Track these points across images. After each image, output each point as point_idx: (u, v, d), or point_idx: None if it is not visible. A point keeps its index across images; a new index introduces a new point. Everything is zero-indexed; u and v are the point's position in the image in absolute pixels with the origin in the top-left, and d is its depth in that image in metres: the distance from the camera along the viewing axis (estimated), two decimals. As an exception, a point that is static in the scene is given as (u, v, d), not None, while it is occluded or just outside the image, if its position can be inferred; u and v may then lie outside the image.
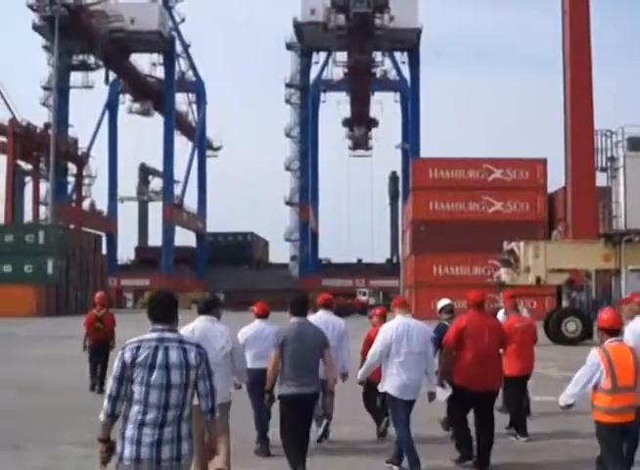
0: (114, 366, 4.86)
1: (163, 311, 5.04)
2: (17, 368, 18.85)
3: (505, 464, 8.86)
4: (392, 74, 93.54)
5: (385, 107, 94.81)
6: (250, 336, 9.39)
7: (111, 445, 4.84)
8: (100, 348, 14.86)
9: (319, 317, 9.57)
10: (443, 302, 10.40)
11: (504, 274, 31.16)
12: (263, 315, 9.66)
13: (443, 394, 8.71)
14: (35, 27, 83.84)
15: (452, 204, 51.57)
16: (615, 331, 6.83)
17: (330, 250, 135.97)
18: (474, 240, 47.82)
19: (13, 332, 34.00)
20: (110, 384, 4.86)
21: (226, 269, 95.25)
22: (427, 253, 50.74)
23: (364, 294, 67.99)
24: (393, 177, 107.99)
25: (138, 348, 4.84)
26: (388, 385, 8.34)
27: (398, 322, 8.46)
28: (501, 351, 9.22)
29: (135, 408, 4.78)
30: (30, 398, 13.58)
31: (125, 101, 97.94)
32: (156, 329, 4.95)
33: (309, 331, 7.98)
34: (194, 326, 7.59)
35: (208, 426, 5.13)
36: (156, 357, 4.81)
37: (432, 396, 8.50)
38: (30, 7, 79.53)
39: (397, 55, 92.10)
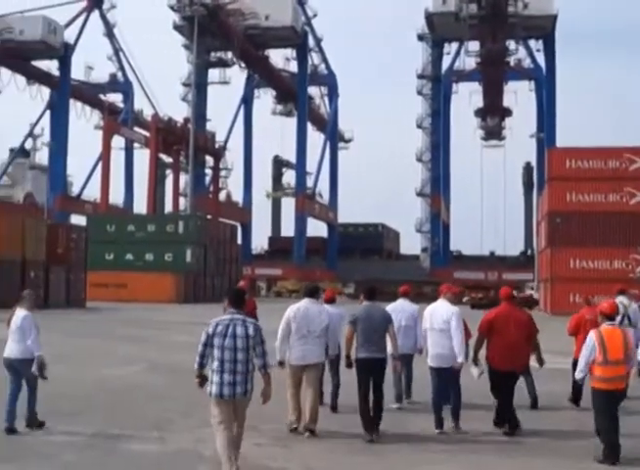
0: (202, 336, 7.26)
1: (235, 301, 7.45)
2: (161, 353, 19.39)
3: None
4: (527, 63, 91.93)
5: (518, 96, 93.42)
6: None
7: (203, 377, 7.31)
8: None
9: (399, 304, 11.89)
10: None
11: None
12: (331, 301, 11.62)
13: (475, 371, 10.17)
14: (176, 27, 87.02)
15: (590, 195, 50.17)
16: (611, 317, 8.78)
17: (461, 242, 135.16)
18: (614, 232, 46.57)
19: (157, 317, 35.58)
20: (199, 347, 7.26)
21: (357, 260, 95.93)
22: (563, 245, 49.58)
23: (532, 288, 67.07)
24: (528, 168, 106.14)
25: (217, 324, 7.26)
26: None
27: (432, 305, 10.30)
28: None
29: (216, 363, 7.19)
30: (174, 381, 13.83)
31: (260, 95, 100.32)
32: (230, 312, 7.35)
33: (376, 312, 9.90)
34: (299, 305, 9.71)
35: (265, 377, 7.32)
36: (227, 330, 7.21)
37: (456, 365, 9.92)
38: (171, 8, 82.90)
39: (532, 42, 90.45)
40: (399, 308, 11.69)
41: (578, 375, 8.78)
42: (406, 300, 12.05)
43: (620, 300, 12.72)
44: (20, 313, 9.43)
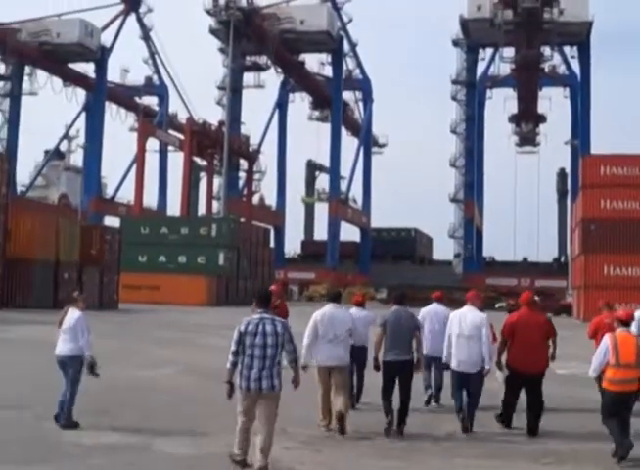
0: (234, 335, 7.75)
1: (262, 302, 7.97)
2: (196, 356, 19.48)
3: None
4: (561, 69, 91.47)
5: (553, 102, 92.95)
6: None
7: (232, 385, 7.71)
8: None
9: (432, 307, 12.39)
10: None
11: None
12: (360, 304, 12.16)
13: (499, 374, 10.63)
14: (212, 31, 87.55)
15: (625, 202, 49.78)
16: (626, 323, 9.23)
17: (494, 248, 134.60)
18: (648, 240, 46.16)
19: (189, 320, 35.86)
20: (232, 345, 7.74)
21: (389, 265, 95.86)
22: (597, 252, 49.33)
23: (570, 295, 66.90)
24: (562, 174, 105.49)
25: (248, 323, 7.76)
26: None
27: (459, 312, 10.53)
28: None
29: (247, 359, 7.66)
30: (207, 384, 13.73)
31: (295, 99, 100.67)
32: (259, 312, 7.85)
33: (404, 316, 10.28)
34: (324, 311, 10.10)
35: (294, 370, 7.99)
36: (258, 328, 7.71)
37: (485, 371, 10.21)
38: (208, 12, 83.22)
39: (567, 49, 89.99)
40: (433, 312, 12.19)
41: (592, 374, 9.19)
42: (440, 304, 12.46)
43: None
44: (73, 314, 9.83)
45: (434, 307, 12.33)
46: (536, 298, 11.69)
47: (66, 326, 9.76)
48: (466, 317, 10.32)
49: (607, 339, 8.96)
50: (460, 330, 10.22)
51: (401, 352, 10.03)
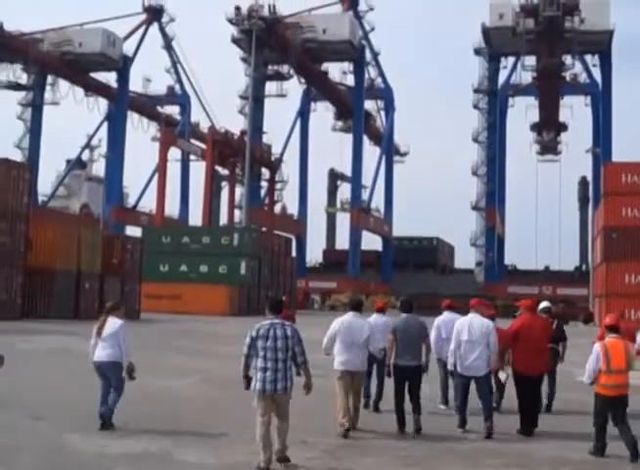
0: (246, 339, 8.35)
1: (274, 309, 8.57)
2: (216, 365, 19.58)
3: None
4: (583, 78, 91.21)
5: (574, 111, 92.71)
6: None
7: (248, 378, 8.37)
8: None
9: (445, 316, 12.89)
10: (543, 304, 12.87)
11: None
12: (382, 311, 12.80)
13: (503, 375, 11.28)
14: (234, 40, 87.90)
15: (646, 210, 49.63)
16: (614, 329, 9.64)
17: (516, 256, 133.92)
18: (669, 248, 45.93)
19: (211, 329, 35.97)
20: (244, 349, 8.35)
21: (411, 274, 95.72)
22: (618, 261, 49.11)
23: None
24: (583, 183, 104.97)
25: (259, 328, 8.33)
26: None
27: (465, 319, 11.09)
28: None
29: (259, 361, 8.24)
30: (229, 393, 13.78)
31: (317, 108, 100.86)
32: (270, 318, 8.44)
33: (414, 323, 10.89)
34: (343, 318, 10.68)
35: (305, 372, 8.48)
36: (269, 332, 8.27)
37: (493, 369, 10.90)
38: (230, 21, 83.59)
39: (588, 58, 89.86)
40: (448, 320, 12.60)
41: (586, 381, 9.62)
42: (452, 312, 12.91)
43: None
44: (115, 322, 10.32)
45: (448, 316, 12.80)
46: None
47: (107, 333, 10.20)
48: (474, 324, 10.81)
49: (597, 347, 9.43)
50: (469, 336, 10.69)
51: (411, 357, 10.62)
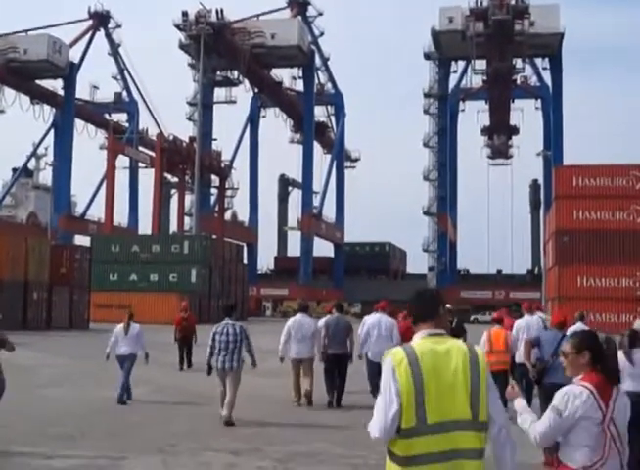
0: (210, 335, 11.71)
1: (226, 312, 12.21)
2: (165, 375, 19.14)
3: None
4: (533, 81, 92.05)
5: (525, 114, 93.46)
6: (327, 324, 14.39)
7: (210, 367, 11.65)
8: (185, 339, 21.26)
9: (375, 317, 14.49)
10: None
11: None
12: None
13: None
14: (182, 46, 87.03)
15: (597, 213, 49.72)
16: (499, 322, 13.24)
17: (468, 260, 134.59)
18: (621, 250, 46.07)
19: (161, 339, 35.13)
20: (209, 342, 11.67)
21: (363, 279, 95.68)
22: (570, 264, 49.21)
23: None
24: (535, 186, 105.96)
25: (218, 327, 11.74)
26: None
27: (373, 317, 14.53)
28: None
29: (216, 350, 11.59)
30: (178, 404, 13.96)
31: (266, 114, 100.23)
32: (224, 319, 11.89)
33: (341, 321, 14.18)
34: (295, 318, 14.04)
35: (250, 355, 11.88)
36: (223, 330, 11.67)
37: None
38: (177, 27, 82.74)
39: (538, 61, 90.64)
40: (377, 321, 14.36)
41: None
42: (383, 314, 14.68)
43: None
44: (134, 326, 14.27)
45: (378, 317, 14.47)
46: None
47: (131, 334, 14.15)
48: (380, 322, 14.11)
49: (485, 334, 12.81)
50: (378, 331, 13.93)
51: (337, 347, 13.71)
